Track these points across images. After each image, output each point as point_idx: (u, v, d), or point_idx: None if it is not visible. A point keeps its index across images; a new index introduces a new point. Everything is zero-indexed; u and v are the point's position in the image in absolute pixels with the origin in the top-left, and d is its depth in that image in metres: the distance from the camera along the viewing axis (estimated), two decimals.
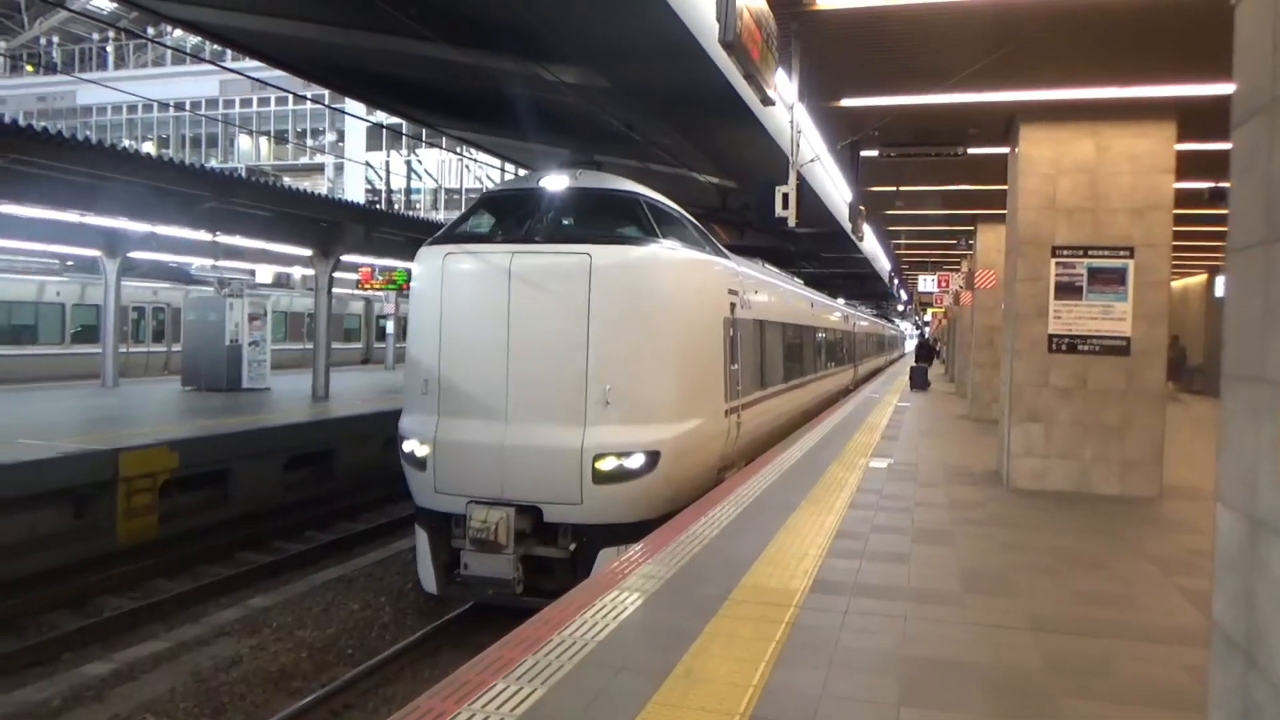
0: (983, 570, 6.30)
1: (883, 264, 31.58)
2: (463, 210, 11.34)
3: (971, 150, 10.63)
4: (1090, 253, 9.34)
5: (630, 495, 8.37)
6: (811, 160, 10.90)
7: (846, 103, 9.26)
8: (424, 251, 9.29)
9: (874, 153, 11.10)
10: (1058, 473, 9.50)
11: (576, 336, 8.33)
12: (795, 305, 17.42)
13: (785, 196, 8.61)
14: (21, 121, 11.51)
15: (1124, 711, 4.00)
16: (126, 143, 47.40)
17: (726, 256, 11.40)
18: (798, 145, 8.73)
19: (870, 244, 23.08)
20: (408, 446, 9.03)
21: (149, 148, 57.53)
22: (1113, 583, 6.08)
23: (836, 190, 14.69)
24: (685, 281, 9.26)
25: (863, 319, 37.54)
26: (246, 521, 12.81)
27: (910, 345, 76.59)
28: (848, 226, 14.02)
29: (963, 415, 17.70)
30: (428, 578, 8.99)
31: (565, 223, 9.12)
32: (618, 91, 12.12)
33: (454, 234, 9.52)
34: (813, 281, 31.01)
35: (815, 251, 27.41)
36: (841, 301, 31.20)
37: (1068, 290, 9.38)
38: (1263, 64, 1.96)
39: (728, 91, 9.13)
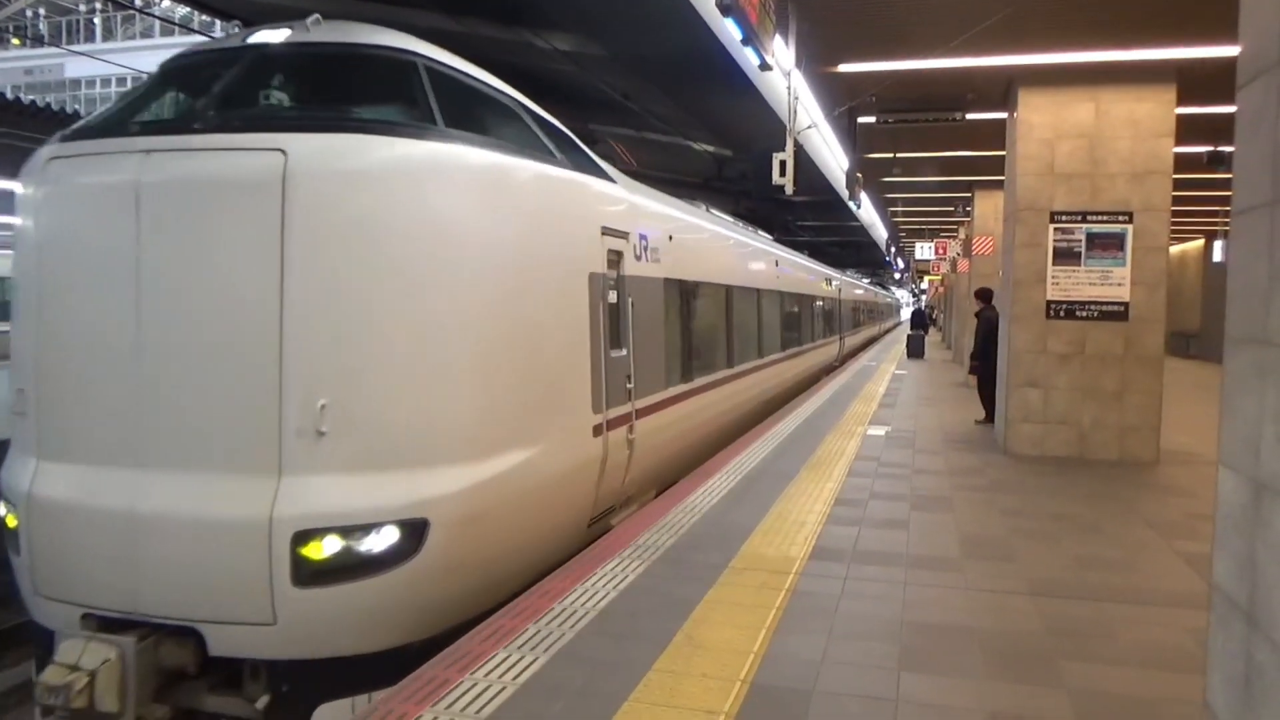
0: (982, 536, 6.32)
1: (880, 232, 31.53)
2: None
3: (969, 116, 10.59)
4: (1089, 218, 9.31)
5: (371, 604, 4.73)
6: (808, 127, 10.83)
7: (844, 68, 9.18)
8: (32, 160, 5.34)
9: (871, 119, 11.04)
10: (1056, 438, 9.52)
11: (261, 308, 4.63)
12: (747, 262, 13.39)
13: (782, 164, 8.57)
14: (9, 95, 11.40)
15: (1124, 674, 4.03)
16: None
17: (608, 178, 7.40)
18: (795, 112, 8.67)
19: (867, 212, 23.02)
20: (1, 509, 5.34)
21: None
22: (1112, 547, 6.11)
23: (834, 158, 14.62)
24: (496, 206, 5.39)
25: (854, 285, 35.05)
26: None
27: (907, 313, 76.61)
28: (845, 194, 13.98)
29: (960, 383, 17.72)
30: None
31: (272, 99, 5.34)
32: (612, 59, 12.01)
33: (84, 127, 5.43)
34: (810, 250, 30.88)
35: (812, 219, 27.35)
36: (821, 263, 26.43)
37: (1066, 256, 9.36)
38: (1269, 23, 1.93)
39: (724, 58, 9.05)
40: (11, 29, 60.81)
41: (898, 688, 3.83)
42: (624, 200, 7.58)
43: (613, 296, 7.03)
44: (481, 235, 5.27)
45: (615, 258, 7.13)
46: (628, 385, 7.21)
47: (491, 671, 3.90)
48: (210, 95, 5.19)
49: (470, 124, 5.59)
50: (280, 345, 4.62)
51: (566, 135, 7.03)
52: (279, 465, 4.62)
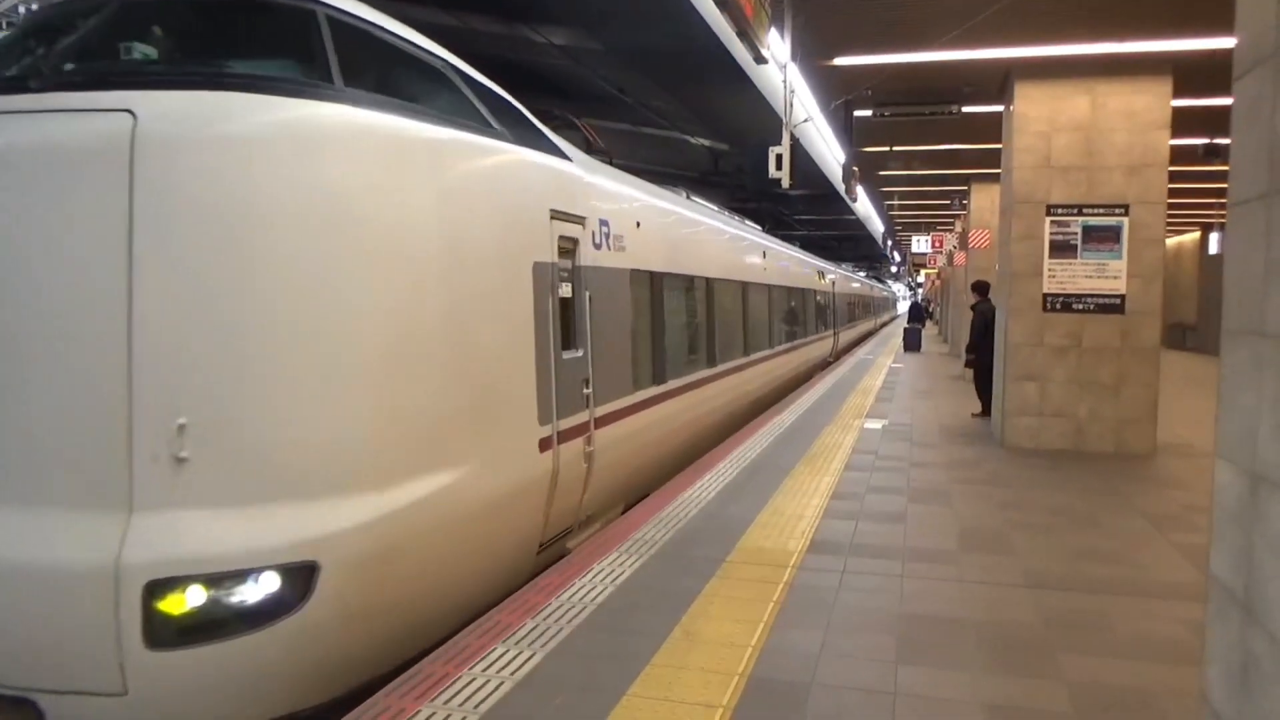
0: (979, 529, 6.33)
1: (876, 226, 31.58)
2: None
3: (966, 109, 10.60)
4: (1085, 211, 9.31)
5: (246, 667, 3.90)
6: (805, 121, 10.83)
7: (840, 61, 9.17)
8: None
9: (867, 113, 11.04)
10: (1053, 431, 9.53)
11: (105, 306, 3.84)
12: (731, 253, 12.39)
13: (779, 157, 8.57)
14: None
15: (1121, 666, 4.04)
16: None
17: (563, 156, 6.53)
18: (791, 105, 8.66)
19: (864, 206, 23.04)
20: None
21: None
22: (1108, 539, 6.12)
23: (830, 151, 14.63)
24: (407, 182, 4.57)
25: (850, 278, 34.26)
26: None
27: (903, 307, 76.77)
28: (841, 188, 13.98)
29: (957, 376, 17.73)
30: None
31: (135, 54, 4.37)
32: (608, 53, 11.99)
33: None
34: (806, 244, 30.85)
35: (808, 213, 27.33)
36: (816, 256, 25.48)
37: (1062, 249, 9.36)
38: (1266, 14, 1.92)
39: (720, 51, 9.04)
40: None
41: (895, 680, 3.83)
42: (580, 181, 6.62)
43: (566, 290, 6.24)
44: (387, 216, 4.42)
45: (569, 245, 6.29)
46: (585, 391, 6.40)
47: (490, 667, 3.90)
48: (61, 49, 4.39)
49: (382, 85, 4.76)
50: (129, 351, 3.81)
51: (511, 106, 6.14)
52: (129, 499, 3.78)
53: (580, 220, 6.48)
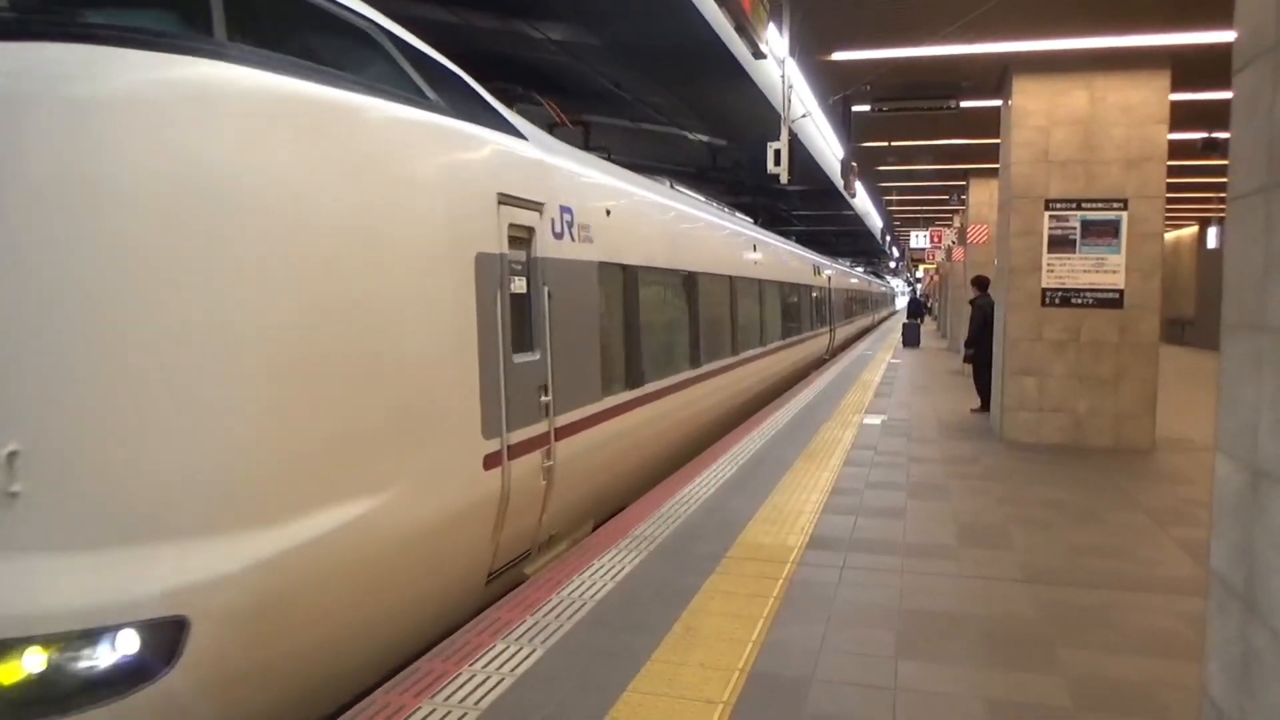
0: (978, 524, 6.34)
1: (874, 221, 31.59)
2: None
3: (964, 103, 10.60)
4: (1083, 205, 9.31)
5: None
6: (803, 116, 10.83)
7: (838, 56, 9.16)
8: None
9: (866, 108, 11.03)
10: (1051, 426, 9.54)
11: None
12: (717, 246, 11.48)
13: (777, 153, 8.56)
14: None
15: (1121, 661, 4.04)
16: None
17: (517, 134, 5.81)
18: (789, 101, 8.65)
19: (862, 201, 23.03)
20: None
21: None
22: (1108, 534, 6.13)
23: (828, 147, 14.63)
24: (306, 158, 3.83)
25: (848, 274, 33.83)
26: None
27: (901, 302, 76.80)
28: (840, 183, 13.98)
29: (955, 371, 17.74)
30: None
31: None
32: (606, 49, 11.98)
33: None
34: (804, 239, 30.87)
35: (806, 209, 27.32)
36: (812, 250, 24.79)
37: (1061, 243, 9.36)
38: (1265, 7, 1.92)
39: (718, 47, 9.03)
40: None
41: (895, 676, 3.83)
42: (538, 163, 5.87)
43: (519, 285, 5.50)
44: (278, 196, 3.67)
45: (523, 234, 5.56)
46: (543, 399, 5.66)
47: (489, 663, 3.90)
48: None
49: (286, 45, 4.00)
50: None
51: (454, 76, 5.38)
52: None
53: (536, 207, 5.73)
